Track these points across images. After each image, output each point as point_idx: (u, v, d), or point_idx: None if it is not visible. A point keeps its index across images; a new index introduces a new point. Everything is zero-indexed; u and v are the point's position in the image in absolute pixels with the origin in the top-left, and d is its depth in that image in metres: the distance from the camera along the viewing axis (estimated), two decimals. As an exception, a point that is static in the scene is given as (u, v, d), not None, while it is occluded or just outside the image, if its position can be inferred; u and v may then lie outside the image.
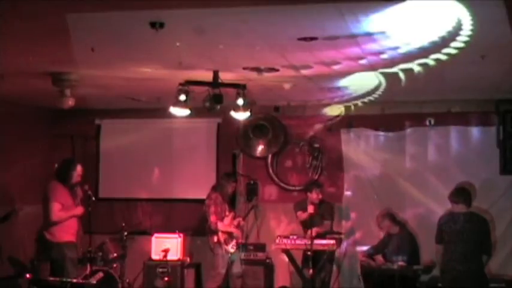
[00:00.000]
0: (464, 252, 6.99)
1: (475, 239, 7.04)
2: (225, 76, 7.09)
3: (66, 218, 7.51)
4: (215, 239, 8.62)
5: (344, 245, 9.09)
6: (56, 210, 7.43)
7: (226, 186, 8.92)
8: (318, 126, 9.73)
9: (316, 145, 9.78)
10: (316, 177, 9.74)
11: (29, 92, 8.59)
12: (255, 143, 9.84)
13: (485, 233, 7.17)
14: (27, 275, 6.99)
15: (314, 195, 8.85)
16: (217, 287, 8.71)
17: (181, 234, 9.41)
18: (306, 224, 8.66)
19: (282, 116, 9.87)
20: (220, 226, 8.62)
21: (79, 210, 7.70)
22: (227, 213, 8.79)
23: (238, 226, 8.96)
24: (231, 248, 8.67)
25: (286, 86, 7.97)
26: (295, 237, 8.66)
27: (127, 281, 8.87)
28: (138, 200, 10.31)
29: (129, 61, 6.74)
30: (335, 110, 9.60)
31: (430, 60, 6.23)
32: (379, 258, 8.63)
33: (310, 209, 8.60)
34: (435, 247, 7.34)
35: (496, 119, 8.96)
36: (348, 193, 9.57)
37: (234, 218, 8.88)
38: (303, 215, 8.77)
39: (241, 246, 9.30)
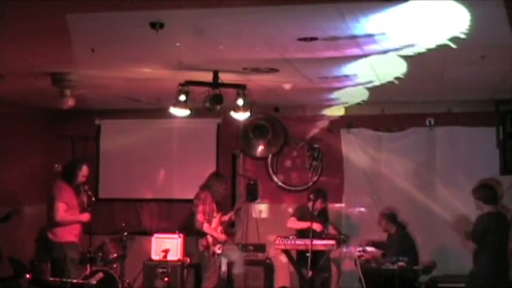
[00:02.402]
0: (503, 253, 6.93)
1: (508, 240, 7.02)
2: (225, 76, 7.09)
3: (70, 222, 7.51)
4: (204, 242, 8.50)
5: (344, 246, 9.07)
6: (61, 210, 7.43)
7: (218, 187, 8.69)
8: (318, 126, 9.74)
9: (316, 145, 9.79)
10: (316, 177, 9.76)
11: (29, 92, 8.59)
12: (255, 143, 9.84)
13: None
14: (27, 275, 7.00)
15: (318, 205, 8.69)
16: (213, 287, 8.68)
17: (181, 235, 9.40)
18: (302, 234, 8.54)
19: (282, 116, 9.88)
20: (206, 228, 8.38)
21: (85, 216, 7.71)
22: (215, 214, 8.67)
23: (228, 223, 8.88)
24: (218, 249, 8.55)
25: (286, 86, 7.97)
26: (295, 237, 8.65)
27: (127, 281, 8.86)
28: (138, 200, 10.31)
29: (129, 61, 6.74)
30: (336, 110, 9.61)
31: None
32: (372, 250, 8.64)
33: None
34: (466, 243, 7.15)
35: (496, 119, 8.97)
36: (347, 193, 9.56)
37: (221, 218, 8.76)
38: (296, 224, 8.71)
39: (241, 247, 9.33)
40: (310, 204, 8.61)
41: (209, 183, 8.69)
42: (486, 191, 7.03)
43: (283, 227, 9.65)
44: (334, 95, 8.67)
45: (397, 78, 7.28)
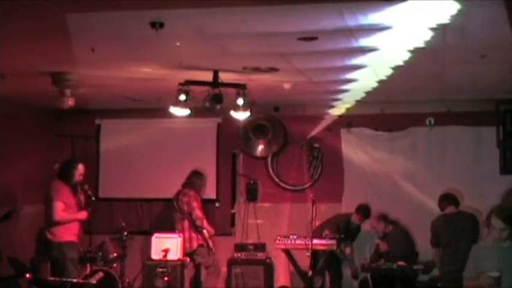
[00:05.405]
0: (461, 251, 6.97)
1: (469, 237, 7.05)
2: (225, 76, 7.09)
3: (69, 220, 7.52)
4: (201, 239, 8.65)
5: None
6: (59, 210, 7.44)
7: (199, 183, 9.00)
8: (319, 126, 9.74)
9: (316, 145, 9.79)
10: (316, 177, 9.76)
11: (29, 92, 8.59)
12: (255, 143, 9.84)
13: (477, 230, 7.21)
14: (27, 275, 7.00)
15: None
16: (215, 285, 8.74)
17: (181, 234, 9.40)
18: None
19: (282, 116, 9.88)
20: (206, 224, 8.65)
21: (83, 214, 7.72)
22: None
23: None
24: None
25: (286, 86, 7.97)
26: (295, 237, 8.65)
27: (127, 281, 8.85)
28: (138, 200, 10.31)
29: (129, 61, 6.75)
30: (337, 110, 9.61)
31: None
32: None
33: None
34: (432, 251, 7.32)
35: (496, 119, 8.97)
36: (347, 193, 9.56)
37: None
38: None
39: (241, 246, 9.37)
40: (355, 219, 8.83)
41: (191, 181, 9.00)
42: (439, 202, 7.36)
43: (283, 226, 9.66)
44: (335, 94, 8.68)
45: (397, 76, 7.28)
